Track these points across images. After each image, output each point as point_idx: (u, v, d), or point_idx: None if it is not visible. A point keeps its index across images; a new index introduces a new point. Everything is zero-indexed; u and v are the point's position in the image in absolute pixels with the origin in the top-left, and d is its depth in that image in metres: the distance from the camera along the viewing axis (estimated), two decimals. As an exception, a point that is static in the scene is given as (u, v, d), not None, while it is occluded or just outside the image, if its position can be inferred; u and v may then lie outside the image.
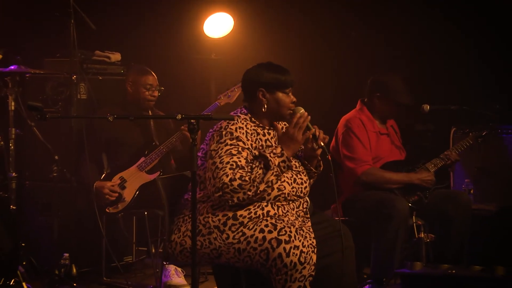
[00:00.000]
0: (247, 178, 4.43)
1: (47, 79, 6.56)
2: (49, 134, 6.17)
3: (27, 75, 6.24)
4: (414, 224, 6.03)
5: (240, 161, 4.49)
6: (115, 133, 6.45)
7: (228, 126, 4.61)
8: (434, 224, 6.16)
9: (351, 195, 6.22)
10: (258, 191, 4.48)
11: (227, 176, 4.44)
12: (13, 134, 5.97)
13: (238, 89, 6.28)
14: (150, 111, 6.59)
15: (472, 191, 6.80)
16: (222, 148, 4.56)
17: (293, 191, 4.69)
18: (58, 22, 6.18)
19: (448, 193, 6.55)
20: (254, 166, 4.48)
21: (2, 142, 5.73)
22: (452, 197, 6.32)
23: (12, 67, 5.93)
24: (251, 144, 4.63)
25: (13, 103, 5.94)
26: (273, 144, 4.74)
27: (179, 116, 4.42)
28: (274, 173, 4.50)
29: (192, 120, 4.33)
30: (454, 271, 5.42)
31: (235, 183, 4.42)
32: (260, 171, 4.46)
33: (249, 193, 4.45)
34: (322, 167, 4.93)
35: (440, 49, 7.35)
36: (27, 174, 6.60)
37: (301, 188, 4.75)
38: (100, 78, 6.88)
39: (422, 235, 6.00)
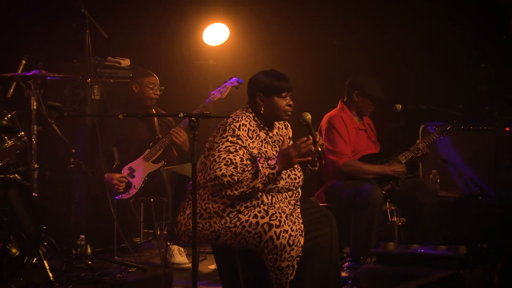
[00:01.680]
0: (235, 178, 4.39)
1: (65, 82, 6.55)
2: (67, 131, 6.16)
3: (47, 78, 6.23)
4: (388, 210, 6.04)
5: (235, 159, 4.46)
6: (124, 129, 6.45)
7: (232, 122, 4.58)
8: (405, 209, 6.17)
9: (333, 184, 6.22)
10: (244, 193, 4.43)
11: (220, 170, 4.41)
12: (35, 130, 5.95)
13: (229, 86, 6.31)
14: (153, 109, 6.60)
15: (438, 180, 6.82)
16: (223, 143, 4.53)
17: (286, 185, 4.68)
18: (74, 31, 6.17)
19: (418, 181, 6.55)
20: (246, 169, 4.43)
21: (25, 138, 5.71)
22: (421, 186, 6.34)
23: (34, 72, 5.91)
24: (249, 144, 4.59)
25: (35, 103, 5.92)
26: (270, 143, 4.74)
27: (181, 114, 4.44)
28: (262, 182, 4.44)
29: (192, 118, 4.34)
30: (422, 250, 5.44)
31: (225, 179, 4.40)
32: (250, 176, 4.41)
33: (235, 191, 4.41)
34: (317, 167, 4.93)
35: (411, 55, 7.34)
36: (47, 165, 6.58)
37: (294, 182, 4.74)
38: (112, 81, 6.88)
39: (394, 219, 6.00)
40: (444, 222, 6.38)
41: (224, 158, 4.47)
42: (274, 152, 4.72)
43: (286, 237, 4.41)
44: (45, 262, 5.40)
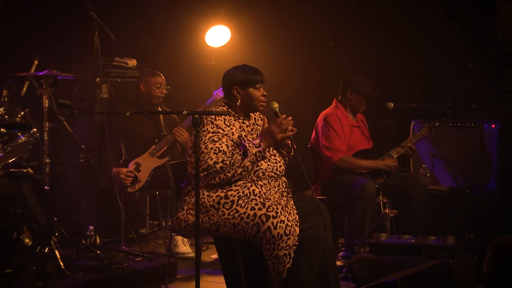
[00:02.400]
0: (227, 162, 4.44)
1: (75, 81, 6.57)
2: (77, 127, 6.17)
3: (58, 77, 6.23)
4: (381, 202, 6.05)
5: (221, 146, 4.51)
6: (131, 126, 6.45)
7: (209, 116, 4.64)
8: (397, 201, 6.18)
9: (328, 178, 6.24)
10: (236, 174, 4.48)
11: (212, 159, 4.46)
12: (46, 127, 5.94)
13: None
14: (159, 107, 6.61)
15: (428, 174, 6.83)
16: (206, 136, 4.58)
17: (269, 168, 4.69)
18: (84, 33, 6.17)
19: (409, 176, 6.57)
20: (234, 152, 4.49)
21: (37, 134, 5.72)
22: (412, 179, 6.35)
23: (46, 71, 5.92)
24: (229, 131, 4.63)
25: (46, 101, 5.92)
26: (248, 133, 4.75)
27: (185, 112, 4.44)
28: (250, 160, 4.48)
29: (196, 116, 4.34)
30: (413, 241, 5.45)
31: (218, 166, 4.44)
32: (239, 157, 4.46)
33: (228, 174, 4.46)
34: (293, 153, 4.92)
35: (402, 56, 7.35)
36: (58, 160, 6.60)
37: (276, 166, 4.75)
38: (119, 80, 6.89)
39: (387, 211, 6.00)
40: (433, 214, 6.40)
41: (211, 148, 4.52)
42: (251, 139, 4.72)
43: (282, 227, 4.42)
44: (56, 251, 5.42)
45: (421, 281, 3.75)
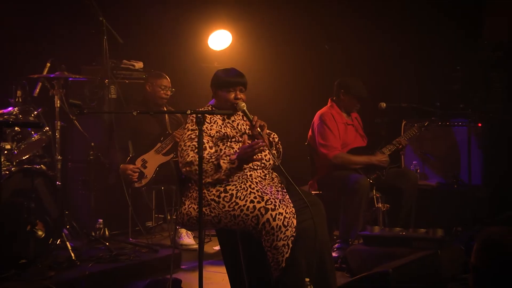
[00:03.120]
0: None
1: (85, 83, 6.56)
2: (87, 126, 6.15)
3: (70, 79, 6.22)
4: (374, 196, 6.05)
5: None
6: (137, 125, 6.44)
7: (190, 116, 4.68)
8: (388, 196, 6.18)
9: (324, 174, 6.24)
10: (210, 182, 4.51)
11: (188, 156, 4.54)
12: (58, 126, 5.95)
13: None
14: (164, 107, 6.61)
15: (418, 170, 6.85)
16: (186, 133, 4.65)
17: (257, 157, 4.71)
18: (94, 37, 6.18)
19: (400, 171, 6.56)
20: (210, 160, 4.51)
21: (50, 132, 5.72)
22: (403, 175, 6.35)
23: (58, 73, 5.92)
24: (209, 128, 4.67)
25: (58, 101, 5.93)
26: (229, 126, 4.78)
27: (188, 111, 4.45)
28: (224, 174, 4.50)
29: (199, 115, 4.35)
30: (404, 233, 5.46)
31: (193, 168, 4.50)
32: (212, 167, 4.48)
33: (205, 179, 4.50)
34: (280, 151, 4.94)
35: (394, 60, 7.36)
36: (69, 157, 6.60)
37: (262, 155, 4.74)
38: (127, 81, 6.89)
39: (379, 205, 6.01)
40: (423, 208, 6.40)
41: (189, 146, 4.57)
42: (235, 133, 4.77)
43: (281, 219, 4.42)
44: (67, 243, 5.43)
45: (411, 271, 3.76)
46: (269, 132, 4.90)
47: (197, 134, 4.54)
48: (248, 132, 4.86)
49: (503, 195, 6.58)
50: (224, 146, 4.72)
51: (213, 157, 4.52)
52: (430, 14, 7.16)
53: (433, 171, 6.98)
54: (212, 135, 4.70)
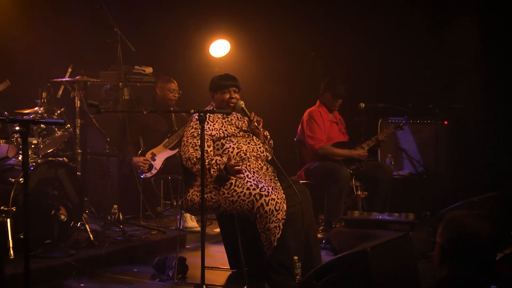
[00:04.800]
0: (197, 167, 4.51)
1: (102, 85, 6.55)
2: (103, 123, 6.15)
3: (88, 82, 6.23)
4: (354, 185, 6.08)
5: (199, 142, 4.51)
6: (148, 122, 6.45)
7: (193, 117, 4.71)
8: (367, 185, 6.21)
9: (311, 165, 6.26)
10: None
11: (188, 152, 4.60)
12: (78, 123, 5.95)
13: None
14: (171, 107, 6.62)
15: (392, 163, 6.86)
16: (189, 130, 4.68)
17: (249, 149, 4.72)
18: (109, 46, 6.18)
19: (377, 164, 6.61)
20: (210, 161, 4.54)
21: (71, 129, 5.73)
22: (379, 167, 6.39)
23: (78, 77, 5.93)
24: (210, 127, 4.70)
25: (78, 102, 5.93)
26: (228, 124, 4.81)
27: (192, 110, 4.47)
28: (210, 177, 4.54)
29: (201, 114, 4.37)
30: (380, 217, 5.50)
31: (189, 163, 4.59)
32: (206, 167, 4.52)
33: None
34: (271, 146, 4.95)
35: (372, 65, 7.36)
36: (88, 150, 6.59)
37: (256, 148, 4.78)
38: (138, 84, 6.87)
39: (359, 192, 6.03)
40: (397, 195, 6.43)
41: (190, 142, 4.61)
42: (233, 130, 4.80)
43: (273, 204, 4.44)
44: (87, 225, 5.46)
45: (386, 250, 3.78)
46: (262, 130, 4.94)
47: (199, 132, 4.58)
48: (246, 128, 4.89)
49: (465, 184, 6.62)
50: (225, 140, 4.75)
51: (206, 160, 4.53)
52: (404, 25, 7.17)
53: (406, 163, 7.01)
54: (212, 134, 4.73)
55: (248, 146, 4.76)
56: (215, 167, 4.53)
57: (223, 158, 4.60)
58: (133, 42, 6.31)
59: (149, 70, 7.09)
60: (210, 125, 4.75)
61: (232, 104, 4.81)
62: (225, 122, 4.85)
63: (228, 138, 4.75)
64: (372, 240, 4.32)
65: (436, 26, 7.10)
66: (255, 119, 4.76)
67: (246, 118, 4.91)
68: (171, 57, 7.69)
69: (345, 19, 7.42)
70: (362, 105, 6.45)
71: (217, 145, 4.72)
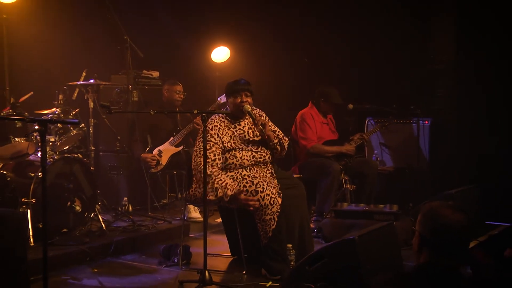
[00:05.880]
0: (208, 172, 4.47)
1: (113, 88, 6.56)
2: (114, 123, 6.17)
3: (101, 85, 6.24)
4: (343, 179, 6.08)
5: (209, 155, 4.54)
6: (155, 122, 6.43)
7: (207, 124, 4.59)
8: (355, 179, 6.22)
9: (304, 161, 6.27)
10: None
11: (196, 158, 4.59)
12: (92, 123, 5.96)
13: None
14: (177, 108, 6.63)
15: (378, 158, 6.87)
16: (201, 141, 4.56)
17: (251, 156, 4.70)
18: (120, 52, 6.19)
19: (364, 160, 6.62)
20: (213, 179, 4.51)
21: (85, 128, 5.74)
22: (366, 162, 6.40)
23: (91, 81, 5.95)
24: (221, 139, 4.65)
25: (91, 103, 5.94)
26: (236, 137, 4.74)
27: (195, 111, 4.48)
28: (212, 196, 4.51)
29: (203, 114, 4.39)
30: (367, 208, 5.52)
31: (194, 170, 4.60)
32: (211, 186, 4.50)
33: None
34: (285, 142, 4.93)
35: (360, 69, 7.37)
36: (100, 148, 6.60)
37: (256, 156, 4.74)
38: (146, 87, 6.88)
39: (347, 186, 6.06)
40: (382, 188, 6.45)
41: (199, 150, 4.54)
42: (238, 144, 4.72)
43: (268, 198, 4.46)
44: (99, 216, 5.47)
45: (373, 238, 3.81)
46: (274, 129, 4.87)
47: (210, 145, 4.55)
48: (256, 135, 4.81)
49: (444, 178, 6.64)
50: (229, 155, 4.67)
51: (213, 175, 4.49)
52: (390, 33, 7.19)
53: (390, 159, 7.03)
54: (224, 142, 4.66)
55: (249, 154, 4.72)
56: (224, 191, 4.49)
57: (234, 184, 4.52)
58: (141, 48, 6.32)
59: (156, 74, 7.10)
60: (221, 132, 4.69)
61: (241, 108, 4.77)
62: (235, 131, 4.77)
63: (233, 153, 4.70)
64: (359, 229, 4.35)
65: (415, 30, 7.11)
66: (259, 123, 4.72)
67: (260, 119, 4.90)
68: (176, 62, 7.70)
69: (334, 27, 7.43)
70: (351, 106, 6.46)
71: (223, 157, 4.70)
